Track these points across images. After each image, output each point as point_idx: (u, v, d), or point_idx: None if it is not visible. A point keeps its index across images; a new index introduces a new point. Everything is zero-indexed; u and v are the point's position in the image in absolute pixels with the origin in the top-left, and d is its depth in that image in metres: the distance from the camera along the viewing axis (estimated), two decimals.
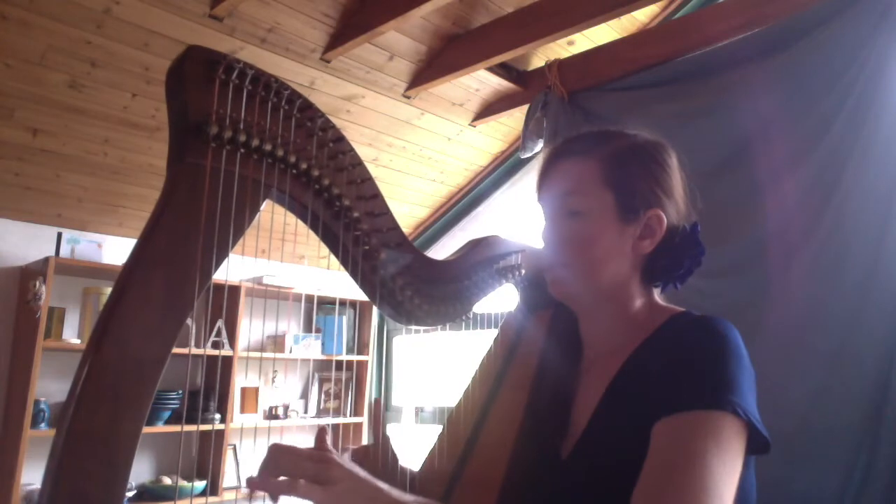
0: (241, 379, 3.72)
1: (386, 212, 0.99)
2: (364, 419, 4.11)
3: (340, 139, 0.91)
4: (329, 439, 0.81)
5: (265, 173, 0.83)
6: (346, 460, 0.78)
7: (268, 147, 0.82)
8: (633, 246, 0.97)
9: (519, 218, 3.89)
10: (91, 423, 0.69)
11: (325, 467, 0.75)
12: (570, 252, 0.98)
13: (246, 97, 0.79)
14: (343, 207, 0.93)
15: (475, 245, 1.17)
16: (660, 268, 1.00)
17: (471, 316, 1.17)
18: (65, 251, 3.12)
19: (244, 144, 0.80)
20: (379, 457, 1.03)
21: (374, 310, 3.90)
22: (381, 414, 1.17)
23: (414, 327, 1.10)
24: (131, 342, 0.72)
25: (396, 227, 1.01)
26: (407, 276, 1.04)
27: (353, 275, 0.97)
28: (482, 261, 1.16)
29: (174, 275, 0.75)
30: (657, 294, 1.03)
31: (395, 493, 0.78)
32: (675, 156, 1.03)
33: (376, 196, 0.97)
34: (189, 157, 0.76)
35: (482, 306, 1.23)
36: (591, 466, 0.88)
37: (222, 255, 0.78)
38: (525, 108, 3.17)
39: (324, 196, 0.91)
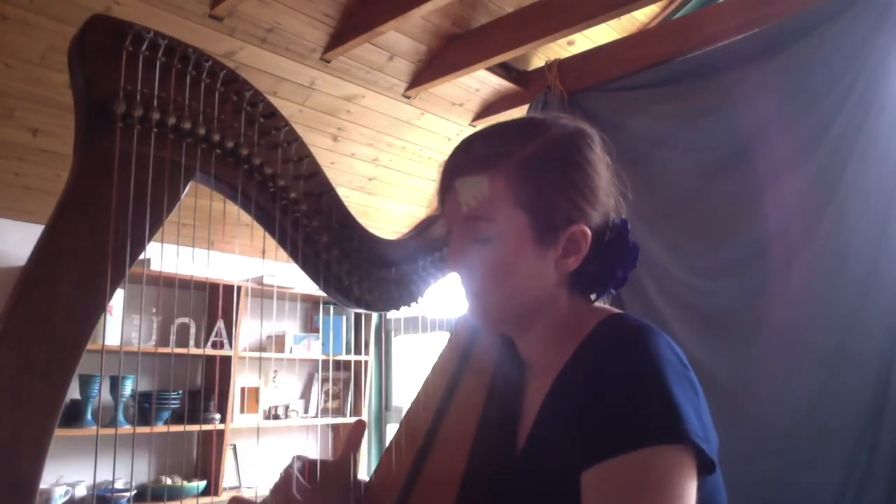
0: (241, 379, 3.71)
1: (328, 190, 0.92)
2: (365, 419, 4.09)
3: (273, 114, 0.85)
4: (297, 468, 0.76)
5: (185, 154, 0.76)
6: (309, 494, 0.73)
7: (186, 125, 0.76)
8: (556, 265, 0.85)
9: None
10: None
11: None
12: (485, 282, 0.86)
13: (160, 71, 0.73)
14: (279, 188, 0.87)
15: (431, 222, 1.08)
16: (589, 280, 0.89)
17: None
18: None
19: (159, 123, 0.74)
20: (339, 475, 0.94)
21: None
22: (359, 438, 1.00)
23: (375, 310, 1.03)
24: (35, 345, 0.66)
25: (341, 206, 0.94)
26: (354, 259, 0.97)
27: (294, 257, 0.91)
28: (437, 239, 1.06)
29: (83, 270, 0.69)
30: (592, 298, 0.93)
31: None
32: (598, 141, 0.90)
33: (316, 174, 0.90)
34: (96, 139, 0.70)
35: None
36: (530, 488, 0.82)
37: (139, 245, 0.72)
38: (525, 108, 3.15)
39: (255, 177, 0.85)
